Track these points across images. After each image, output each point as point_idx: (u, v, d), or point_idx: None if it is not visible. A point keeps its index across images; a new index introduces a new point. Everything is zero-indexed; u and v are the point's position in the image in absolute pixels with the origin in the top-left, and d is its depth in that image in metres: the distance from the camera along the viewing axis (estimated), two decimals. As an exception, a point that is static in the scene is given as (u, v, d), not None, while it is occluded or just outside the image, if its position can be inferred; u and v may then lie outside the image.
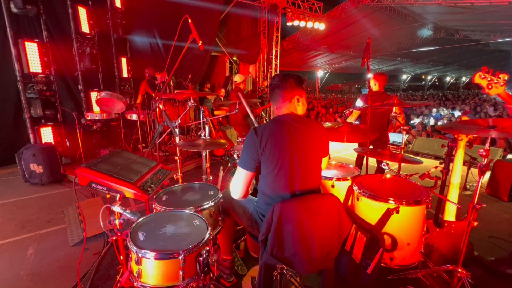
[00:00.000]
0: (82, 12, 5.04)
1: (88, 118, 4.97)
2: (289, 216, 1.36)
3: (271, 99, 1.62)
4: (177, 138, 2.50)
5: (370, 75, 3.42)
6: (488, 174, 3.98)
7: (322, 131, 1.61)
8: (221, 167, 3.25)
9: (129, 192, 1.49)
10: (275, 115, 1.62)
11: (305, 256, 1.42)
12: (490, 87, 1.65)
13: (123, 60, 6.06)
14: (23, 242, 2.71)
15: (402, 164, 2.39)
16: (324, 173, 2.39)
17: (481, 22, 10.37)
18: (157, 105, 2.98)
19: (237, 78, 4.84)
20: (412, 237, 1.95)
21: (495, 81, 1.64)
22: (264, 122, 5.44)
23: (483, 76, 1.67)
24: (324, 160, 1.67)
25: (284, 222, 1.36)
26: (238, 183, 1.56)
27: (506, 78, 1.63)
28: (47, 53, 4.66)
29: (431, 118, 10.12)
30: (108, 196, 1.46)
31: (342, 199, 2.19)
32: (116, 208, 1.43)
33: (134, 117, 4.93)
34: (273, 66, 10.15)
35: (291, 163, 1.48)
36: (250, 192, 2.03)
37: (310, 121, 1.61)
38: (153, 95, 4.79)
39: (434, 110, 12.14)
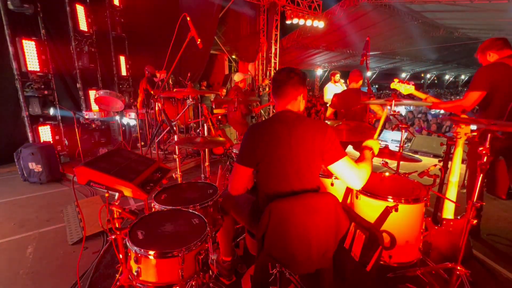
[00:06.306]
0: (80, 10, 5.02)
1: (87, 117, 4.95)
2: (285, 215, 1.35)
3: (274, 94, 1.58)
4: (175, 137, 2.50)
5: (369, 73, 3.44)
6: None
7: (324, 130, 1.50)
8: (220, 166, 3.25)
9: (128, 191, 1.48)
10: (276, 111, 1.60)
11: (302, 256, 1.41)
12: (403, 89, 2.44)
13: (122, 59, 6.04)
14: (22, 241, 2.71)
15: (401, 162, 2.40)
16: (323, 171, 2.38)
17: (480, 20, 10.36)
18: (156, 103, 2.97)
19: (237, 77, 4.82)
20: (411, 235, 1.95)
21: (405, 85, 2.43)
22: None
23: (396, 83, 2.48)
24: (348, 160, 1.50)
25: (281, 221, 1.35)
26: (234, 178, 1.57)
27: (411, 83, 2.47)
28: (45, 51, 4.63)
29: (430, 116, 10.12)
30: (107, 195, 1.45)
31: (341, 198, 2.19)
32: (115, 207, 1.43)
33: (133, 115, 4.92)
34: (272, 65, 10.14)
35: (289, 161, 1.47)
36: (248, 188, 2.01)
37: (312, 120, 1.56)
38: (152, 92, 4.76)
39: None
